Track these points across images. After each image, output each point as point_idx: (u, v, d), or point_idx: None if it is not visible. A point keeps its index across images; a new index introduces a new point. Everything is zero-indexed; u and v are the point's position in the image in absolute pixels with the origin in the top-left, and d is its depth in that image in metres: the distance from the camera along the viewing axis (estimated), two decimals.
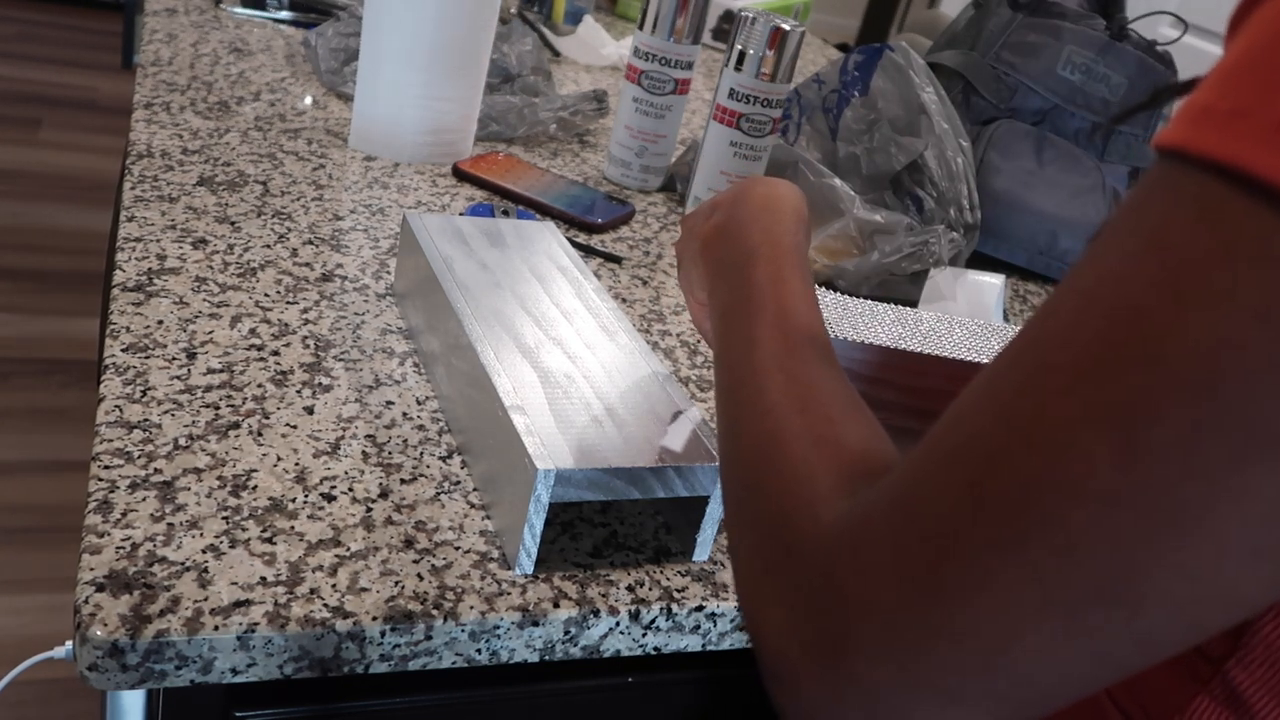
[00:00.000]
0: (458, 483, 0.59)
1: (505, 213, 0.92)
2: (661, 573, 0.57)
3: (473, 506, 0.58)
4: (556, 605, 0.53)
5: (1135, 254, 0.27)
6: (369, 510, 0.56)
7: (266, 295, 0.73)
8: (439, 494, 0.58)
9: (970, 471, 0.30)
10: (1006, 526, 0.29)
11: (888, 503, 0.32)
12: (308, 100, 1.08)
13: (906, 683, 0.30)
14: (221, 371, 0.64)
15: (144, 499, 0.53)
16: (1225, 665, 0.39)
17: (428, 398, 0.66)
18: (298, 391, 0.64)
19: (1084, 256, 0.29)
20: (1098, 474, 0.27)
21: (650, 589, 0.55)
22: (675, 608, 0.55)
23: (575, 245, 0.91)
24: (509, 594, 0.53)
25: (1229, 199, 0.26)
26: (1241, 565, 0.27)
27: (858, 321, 0.61)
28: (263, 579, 0.50)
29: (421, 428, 0.63)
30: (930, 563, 0.30)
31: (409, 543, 0.54)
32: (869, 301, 0.63)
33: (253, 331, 0.68)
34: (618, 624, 0.54)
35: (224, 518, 0.53)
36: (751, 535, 0.37)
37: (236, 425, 0.59)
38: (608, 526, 0.59)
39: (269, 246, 0.79)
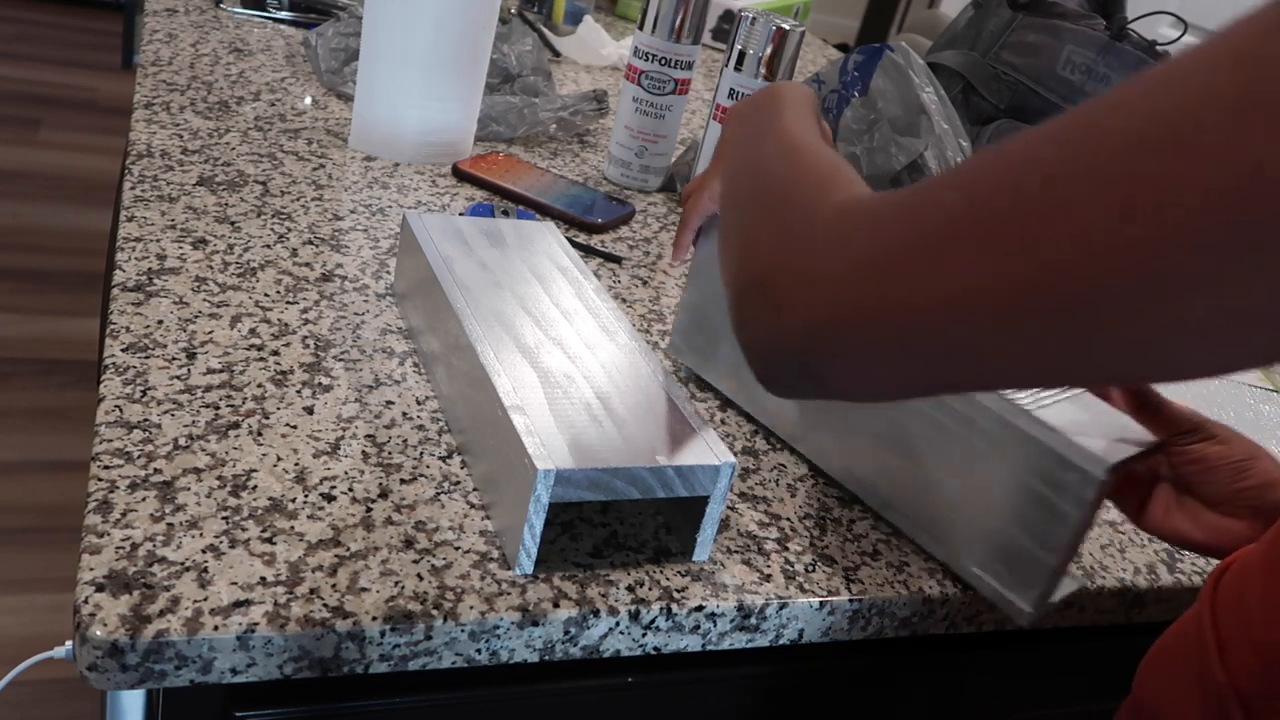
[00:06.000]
0: (458, 483, 0.59)
1: (505, 213, 0.92)
2: (661, 573, 0.57)
3: (473, 506, 0.58)
4: (556, 605, 0.53)
5: (1200, 56, 0.28)
6: (369, 510, 0.56)
7: (266, 295, 0.73)
8: (439, 494, 0.58)
9: (961, 183, 0.33)
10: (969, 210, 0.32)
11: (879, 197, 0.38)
12: (308, 100, 1.08)
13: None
14: (221, 371, 0.64)
15: (144, 499, 0.53)
16: None
17: (428, 398, 0.66)
18: (298, 391, 0.64)
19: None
20: (1089, 221, 0.29)
21: (650, 589, 0.55)
22: (675, 608, 0.55)
23: (575, 245, 0.91)
24: (509, 594, 0.53)
25: None
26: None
27: None
28: (262, 579, 0.50)
29: (421, 428, 0.63)
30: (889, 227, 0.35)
31: (409, 543, 0.54)
32: None
33: (253, 331, 0.68)
34: (617, 624, 0.54)
35: (224, 518, 0.53)
36: (763, 225, 0.43)
37: (236, 425, 0.59)
38: (608, 526, 0.59)
39: (269, 246, 0.79)
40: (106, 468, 0.54)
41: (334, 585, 0.51)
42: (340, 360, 0.68)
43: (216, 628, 0.47)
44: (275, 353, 0.67)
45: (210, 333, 0.67)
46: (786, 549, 0.61)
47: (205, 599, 0.48)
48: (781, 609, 0.57)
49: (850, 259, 0.36)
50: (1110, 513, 0.73)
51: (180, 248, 0.76)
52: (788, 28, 0.93)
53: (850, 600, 0.59)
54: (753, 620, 0.57)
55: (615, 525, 0.59)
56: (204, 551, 0.51)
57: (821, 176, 0.44)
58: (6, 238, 2.40)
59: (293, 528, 0.53)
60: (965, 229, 0.32)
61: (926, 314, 0.33)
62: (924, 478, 0.62)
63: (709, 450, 0.56)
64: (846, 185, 0.43)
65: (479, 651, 0.52)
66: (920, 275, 0.33)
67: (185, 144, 0.91)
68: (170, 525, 0.52)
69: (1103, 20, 1.07)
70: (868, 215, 0.37)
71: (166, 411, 0.59)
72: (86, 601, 0.47)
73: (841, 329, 0.36)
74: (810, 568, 0.60)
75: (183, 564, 0.50)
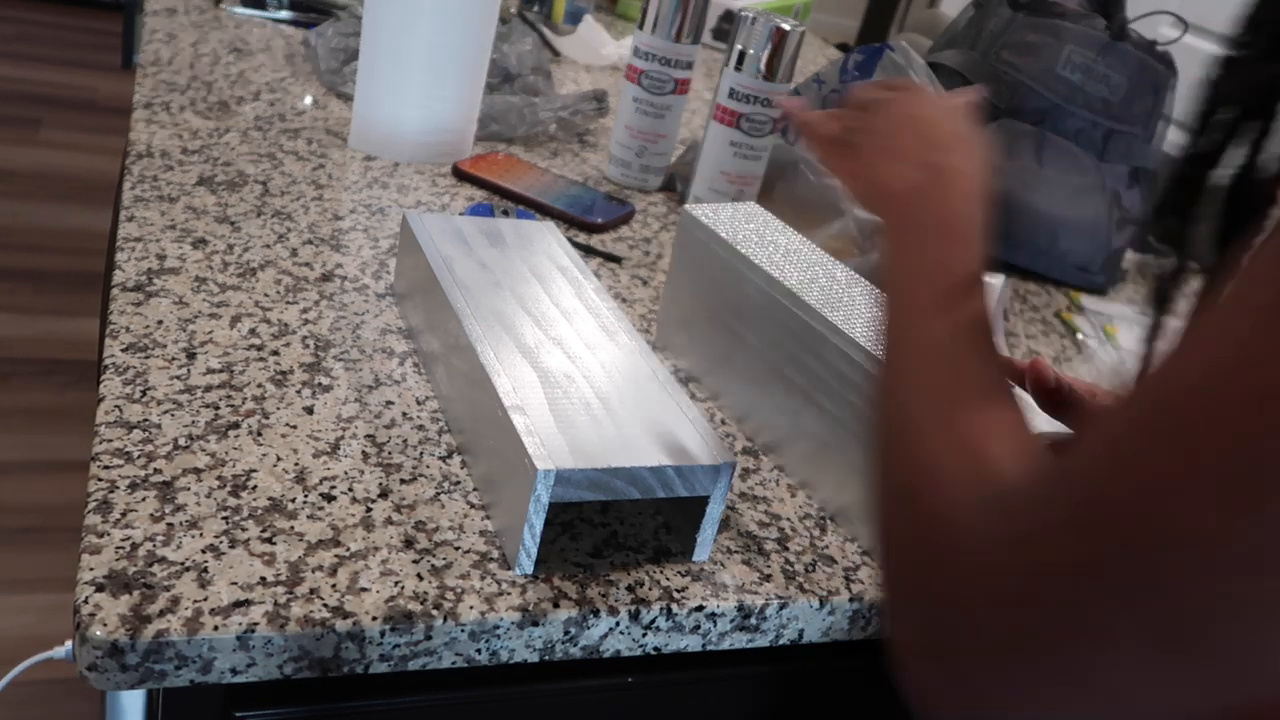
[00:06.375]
0: (458, 483, 0.59)
1: (505, 213, 0.92)
2: (661, 573, 0.57)
3: (473, 506, 0.58)
4: (556, 605, 0.53)
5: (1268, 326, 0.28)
6: (369, 510, 0.56)
7: (266, 295, 0.73)
8: (439, 494, 0.58)
9: (1086, 525, 0.31)
10: (1111, 567, 0.30)
11: (1009, 531, 0.34)
12: (308, 100, 1.08)
13: (1001, 683, 0.33)
14: (221, 371, 0.64)
15: (144, 499, 0.53)
16: None
17: (428, 398, 0.66)
18: (297, 391, 0.64)
19: (1214, 314, 0.30)
20: (1208, 531, 0.28)
21: (650, 589, 0.55)
22: (675, 608, 0.55)
23: (575, 245, 0.91)
24: (509, 594, 0.53)
25: None
26: None
27: None
28: (262, 579, 0.50)
29: (421, 428, 0.63)
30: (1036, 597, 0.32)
31: (409, 543, 0.54)
32: None
33: (252, 331, 0.68)
34: (617, 624, 0.54)
35: (224, 518, 0.53)
36: (899, 543, 0.40)
37: (236, 425, 0.59)
38: (608, 526, 0.59)
39: (269, 246, 0.79)
40: (106, 468, 0.54)
41: (334, 585, 0.51)
42: (340, 360, 0.68)
43: (216, 628, 0.47)
44: (275, 353, 0.67)
45: (210, 333, 0.67)
46: (786, 549, 0.61)
47: (205, 599, 0.48)
48: (781, 609, 0.57)
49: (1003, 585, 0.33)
50: None
51: (180, 248, 0.76)
52: (788, 28, 0.93)
53: (850, 600, 0.59)
54: (753, 620, 0.57)
55: (615, 525, 0.59)
56: (204, 551, 0.51)
57: (973, 438, 0.40)
58: (6, 238, 2.40)
59: (293, 528, 0.53)
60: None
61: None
62: (856, 472, 0.62)
63: (709, 450, 0.56)
64: (1007, 441, 0.39)
65: (479, 651, 0.52)
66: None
67: (185, 144, 0.91)
68: (170, 525, 0.52)
69: (1103, 20, 1.07)
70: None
71: (166, 411, 0.59)
72: (86, 601, 0.47)
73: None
74: (810, 568, 0.60)
75: (183, 564, 0.50)
